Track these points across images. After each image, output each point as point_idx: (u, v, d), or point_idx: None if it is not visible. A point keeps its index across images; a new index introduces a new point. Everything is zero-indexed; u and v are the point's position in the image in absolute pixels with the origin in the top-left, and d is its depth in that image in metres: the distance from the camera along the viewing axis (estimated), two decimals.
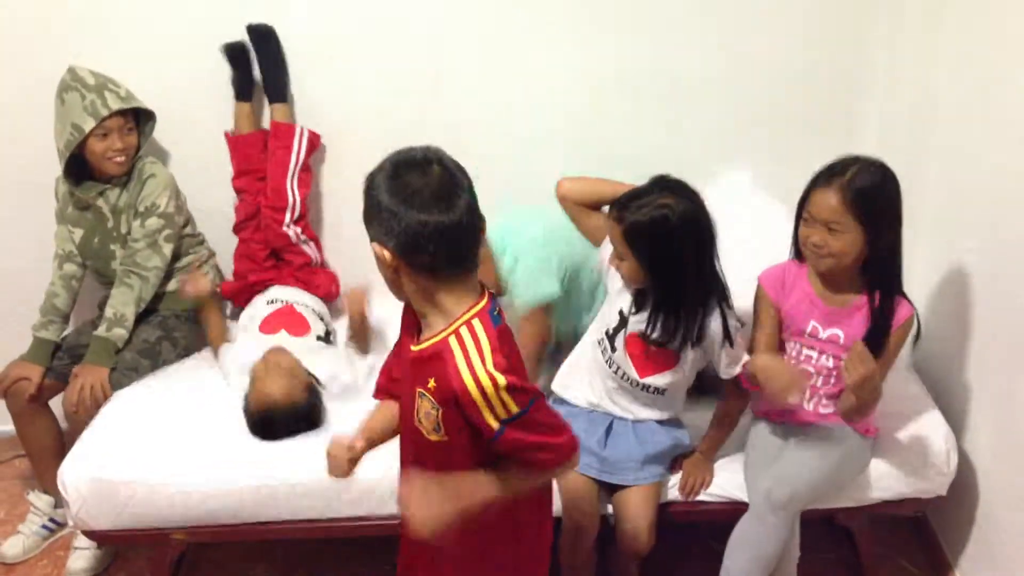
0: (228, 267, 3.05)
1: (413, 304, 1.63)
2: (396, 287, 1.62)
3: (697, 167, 2.90)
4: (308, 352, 2.60)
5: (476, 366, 1.55)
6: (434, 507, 1.60)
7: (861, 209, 2.08)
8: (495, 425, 1.57)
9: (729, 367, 2.23)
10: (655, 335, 2.18)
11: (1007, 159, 2.26)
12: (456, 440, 1.63)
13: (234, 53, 2.87)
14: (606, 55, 2.86)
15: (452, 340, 1.58)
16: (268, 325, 2.69)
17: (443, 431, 1.64)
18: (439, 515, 1.60)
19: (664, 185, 2.14)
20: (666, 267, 2.13)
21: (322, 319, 2.81)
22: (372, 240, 1.57)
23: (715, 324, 2.19)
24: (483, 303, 1.62)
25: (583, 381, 2.37)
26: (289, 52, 2.90)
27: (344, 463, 1.78)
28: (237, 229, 2.96)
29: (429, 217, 1.51)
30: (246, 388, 2.48)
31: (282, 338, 2.64)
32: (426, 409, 1.63)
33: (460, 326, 1.59)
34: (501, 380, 1.54)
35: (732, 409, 2.34)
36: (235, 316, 2.95)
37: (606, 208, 2.33)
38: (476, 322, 1.59)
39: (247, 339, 2.68)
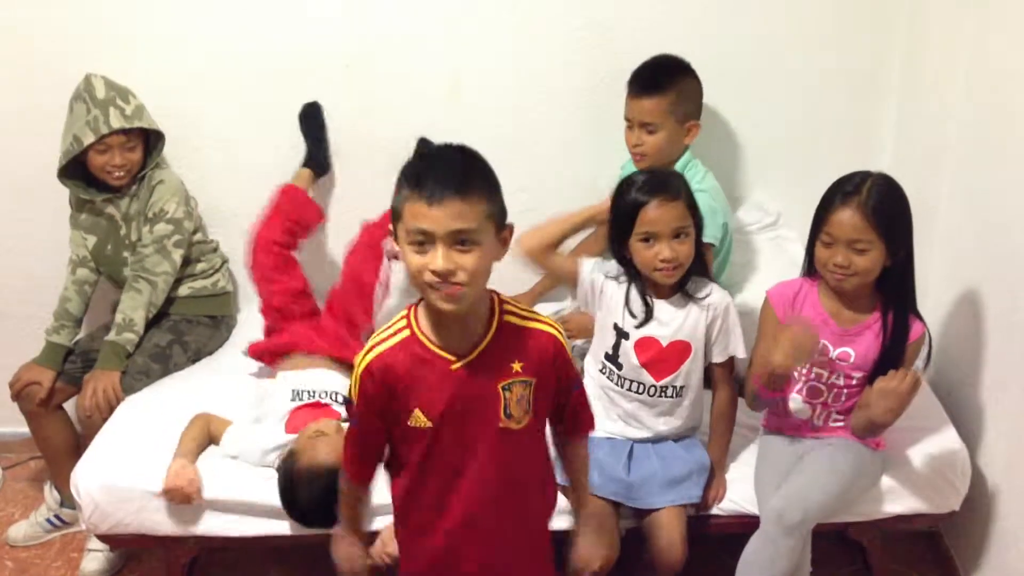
0: (241, 274, 3.05)
1: (477, 294, 1.61)
2: (487, 276, 1.61)
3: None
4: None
5: (546, 320, 1.71)
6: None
7: (883, 224, 2.08)
8: (575, 374, 1.75)
9: (724, 350, 2.26)
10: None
11: (1022, 175, 2.24)
12: (539, 417, 1.73)
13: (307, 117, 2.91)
14: (622, 62, 2.84)
15: (509, 318, 1.66)
16: (293, 425, 2.40)
17: (532, 410, 1.69)
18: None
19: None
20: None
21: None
22: (504, 226, 1.61)
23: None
24: None
25: (597, 412, 2.32)
26: (304, 63, 2.91)
27: None
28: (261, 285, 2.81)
29: None
30: (275, 463, 2.31)
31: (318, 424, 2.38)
32: (518, 395, 1.67)
33: (499, 301, 1.68)
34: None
35: (728, 402, 2.32)
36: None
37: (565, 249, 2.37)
38: (502, 296, 1.69)
39: (271, 431, 2.40)
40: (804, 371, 2.28)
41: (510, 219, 1.64)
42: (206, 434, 2.40)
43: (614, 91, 2.75)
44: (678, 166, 2.60)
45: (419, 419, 1.66)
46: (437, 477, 1.73)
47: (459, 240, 1.53)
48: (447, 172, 1.53)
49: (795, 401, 2.31)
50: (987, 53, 2.43)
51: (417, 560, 1.84)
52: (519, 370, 1.65)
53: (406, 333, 1.66)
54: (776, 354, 2.09)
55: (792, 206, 2.84)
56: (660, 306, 2.24)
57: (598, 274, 2.25)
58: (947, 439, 2.37)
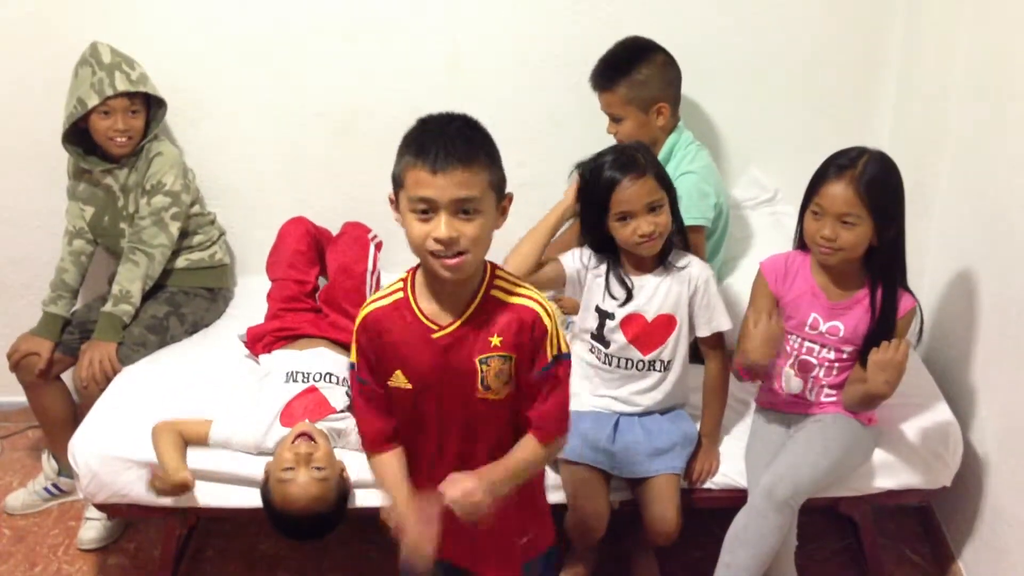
0: (237, 247, 3.09)
1: (478, 263, 1.63)
2: (489, 244, 1.63)
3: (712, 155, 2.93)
4: (332, 432, 2.33)
5: (533, 296, 1.69)
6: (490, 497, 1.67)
7: (873, 200, 2.08)
8: (550, 357, 1.69)
9: (708, 323, 2.27)
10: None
11: (1020, 154, 2.23)
12: (520, 387, 1.71)
13: None
14: (622, 36, 2.83)
15: (496, 292, 1.67)
16: (289, 416, 2.34)
17: (512, 381, 1.70)
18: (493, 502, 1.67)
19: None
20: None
21: (346, 381, 2.45)
22: (504, 196, 1.62)
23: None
24: None
25: (584, 389, 2.37)
26: (303, 35, 2.90)
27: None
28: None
29: None
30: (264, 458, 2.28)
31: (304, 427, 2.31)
32: (496, 368, 1.67)
33: (494, 278, 1.68)
34: (553, 307, 1.69)
35: (718, 376, 2.33)
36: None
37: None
38: (498, 270, 1.70)
39: (263, 420, 2.34)
40: (796, 346, 2.29)
41: (510, 192, 1.65)
42: (180, 442, 2.31)
43: None
44: (665, 148, 2.60)
45: (400, 380, 1.71)
46: (421, 439, 1.78)
47: (462, 208, 1.55)
48: (451, 141, 1.54)
49: (787, 376, 2.32)
50: (987, 33, 2.42)
51: None
52: (498, 344, 1.66)
53: (400, 295, 1.70)
54: (752, 353, 2.13)
55: (790, 182, 2.84)
56: (642, 281, 2.27)
57: (580, 267, 2.29)
58: (939, 415, 2.38)
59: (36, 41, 2.86)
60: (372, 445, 1.81)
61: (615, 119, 2.62)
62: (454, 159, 1.52)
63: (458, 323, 1.66)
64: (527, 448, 1.75)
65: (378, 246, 2.80)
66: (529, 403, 1.75)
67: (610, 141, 2.69)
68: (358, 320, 1.72)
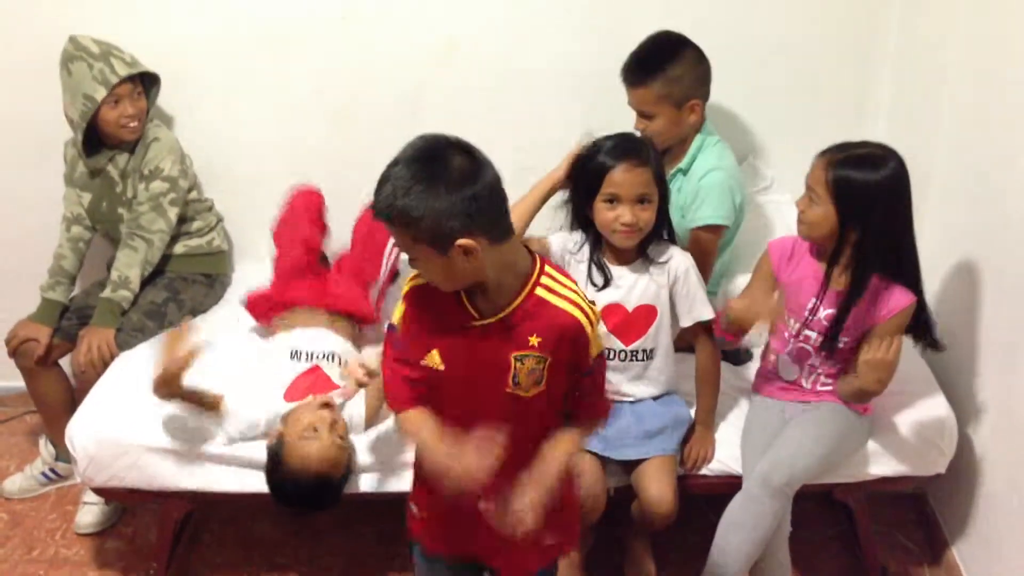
0: (235, 233, 3.09)
1: (488, 279, 1.62)
2: (461, 276, 1.61)
3: None
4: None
5: (577, 301, 1.67)
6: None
7: (837, 189, 2.09)
8: (594, 355, 1.72)
9: (689, 313, 2.28)
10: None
11: (1016, 143, 2.24)
12: (552, 386, 1.72)
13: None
14: (618, 22, 2.83)
15: (541, 291, 1.66)
16: (293, 393, 2.38)
17: (544, 382, 1.70)
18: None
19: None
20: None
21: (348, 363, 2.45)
22: (455, 243, 1.54)
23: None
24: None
25: None
26: (300, 19, 2.88)
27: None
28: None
29: (492, 179, 1.57)
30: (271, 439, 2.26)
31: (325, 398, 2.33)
32: (529, 367, 1.68)
33: (540, 276, 1.67)
34: (593, 309, 1.69)
35: (708, 364, 2.34)
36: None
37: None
38: (547, 267, 1.69)
39: (270, 395, 2.37)
40: (793, 332, 2.29)
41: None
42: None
43: (609, 51, 2.75)
44: (692, 147, 2.57)
45: (434, 360, 1.71)
46: (448, 425, 1.75)
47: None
48: (379, 196, 1.56)
49: (782, 362, 2.33)
50: (983, 20, 2.42)
51: (431, 514, 1.89)
52: (535, 344, 1.66)
53: None
54: (734, 309, 2.13)
55: (786, 171, 2.85)
56: (620, 272, 2.28)
57: (564, 250, 2.31)
58: (935, 403, 2.39)
59: (27, 27, 2.84)
60: (397, 403, 1.82)
61: (645, 115, 2.54)
62: (381, 215, 1.57)
63: (499, 316, 1.66)
64: (564, 442, 1.79)
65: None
66: (572, 401, 1.79)
67: (603, 120, 2.70)
68: (409, 285, 1.74)
